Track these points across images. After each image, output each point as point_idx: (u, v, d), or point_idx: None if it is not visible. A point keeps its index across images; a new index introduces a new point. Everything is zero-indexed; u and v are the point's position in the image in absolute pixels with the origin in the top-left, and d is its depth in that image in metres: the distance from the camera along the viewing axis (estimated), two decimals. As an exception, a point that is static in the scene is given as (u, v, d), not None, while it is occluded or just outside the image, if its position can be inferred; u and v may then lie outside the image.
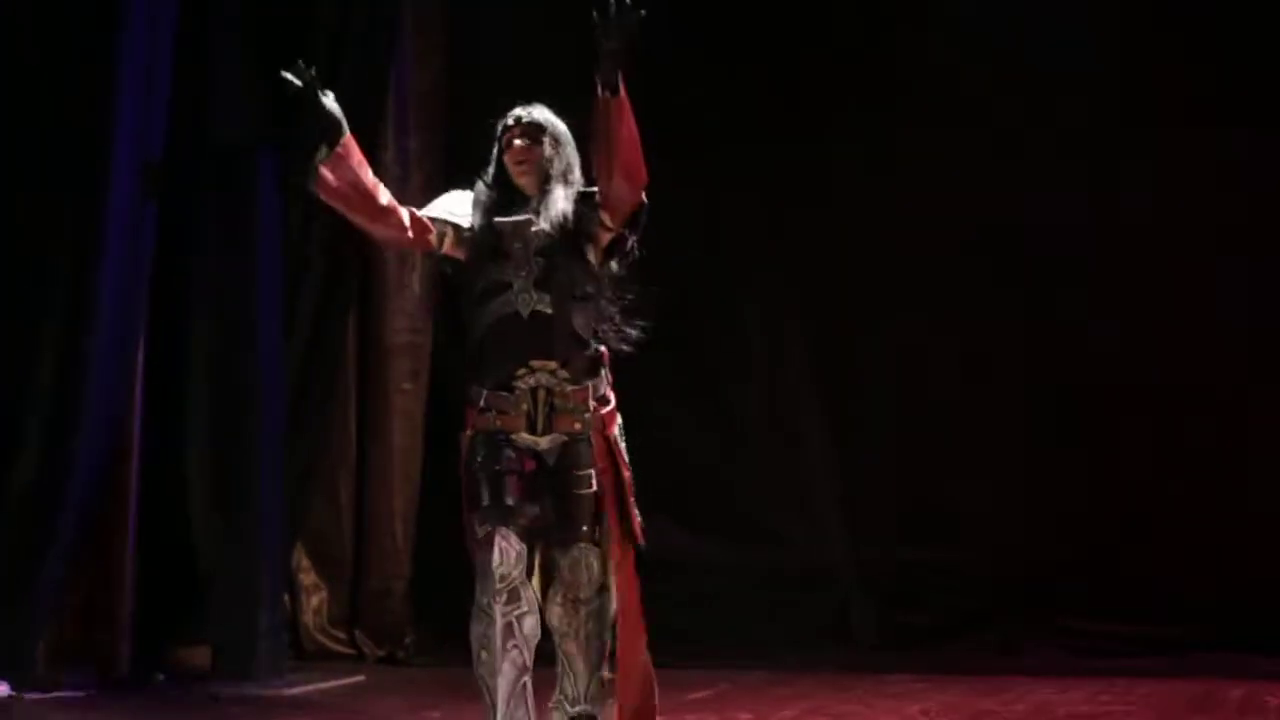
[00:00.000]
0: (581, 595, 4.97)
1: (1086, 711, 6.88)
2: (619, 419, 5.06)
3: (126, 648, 7.82)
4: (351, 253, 8.61)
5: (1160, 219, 8.81)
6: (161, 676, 7.87)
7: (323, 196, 5.03)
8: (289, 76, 5.05)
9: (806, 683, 7.74)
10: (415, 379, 9.05)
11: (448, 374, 9.16)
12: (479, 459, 4.95)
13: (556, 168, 5.02)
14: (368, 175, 5.01)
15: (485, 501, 4.91)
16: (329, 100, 5.05)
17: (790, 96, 9.20)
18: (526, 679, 4.89)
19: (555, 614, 4.97)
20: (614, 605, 4.98)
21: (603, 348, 5.04)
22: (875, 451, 9.16)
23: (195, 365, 8.12)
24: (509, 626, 4.87)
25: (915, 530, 9.06)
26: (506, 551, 4.88)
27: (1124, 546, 8.79)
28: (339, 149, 4.97)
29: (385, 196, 5.02)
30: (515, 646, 4.87)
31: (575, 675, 5.00)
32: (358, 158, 5.01)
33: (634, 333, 5.07)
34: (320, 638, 8.79)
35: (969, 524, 8.97)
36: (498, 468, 4.92)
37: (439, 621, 8.73)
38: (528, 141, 5.03)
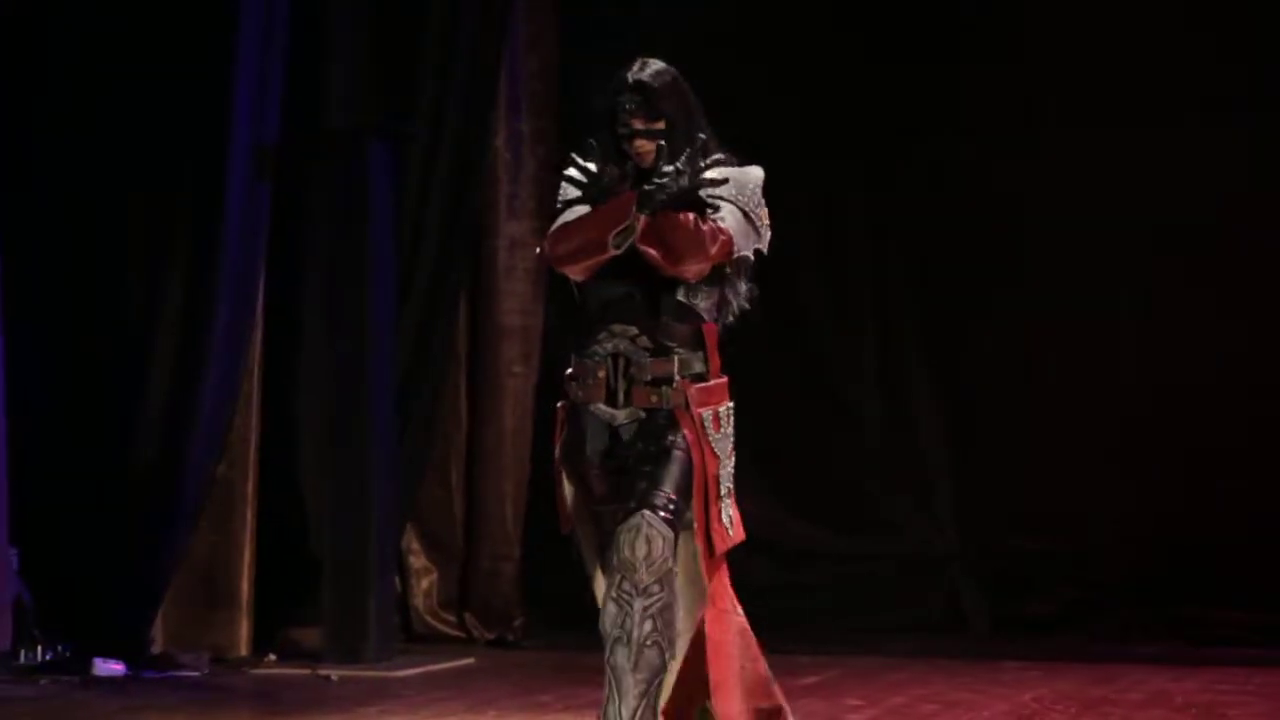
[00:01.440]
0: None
1: (1203, 700, 6.79)
2: (722, 406, 4.57)
3: (243, 629, 7.91)
4: (463, 236, 8.65)
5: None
6: (274, 657, 7.95)
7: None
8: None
9: (918, 669, 7.69)
10: (526, 361, 9.07)
11: (558, 357, 9.19)
12: (565, 441, 4.64)
13: (679, 139, 4.52)
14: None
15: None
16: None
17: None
18: (664, 676, 4.43)
19: (608, 613, 4.41)
20: (696, 614, 4.44)
21: (711, 323, 4.59)
22: (989, 438, 9.07)
23: (309, 347, 8.22)
24: (655, 615, 4.40)
25: (1028, 518, 8.96)
26: (651, 539, 4.40)
27: (1240, 534, 8.66)
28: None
29: None
30: (656, 643, 4.41)
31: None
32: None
33: (747, 307, 4.65)
34: (430, 620, 8.83)
35: (1082, 511, 8.86)
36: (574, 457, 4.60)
37: (549, 604, 8.76)
38: (643, 122, 4.52)
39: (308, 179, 8.21)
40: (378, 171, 8.09)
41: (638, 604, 4.37)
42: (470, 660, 8.18)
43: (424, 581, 8.89)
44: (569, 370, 4.67)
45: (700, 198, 4.52)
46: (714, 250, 4.50)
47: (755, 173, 4.65)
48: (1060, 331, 8.98)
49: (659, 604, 4.38)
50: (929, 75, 9.10)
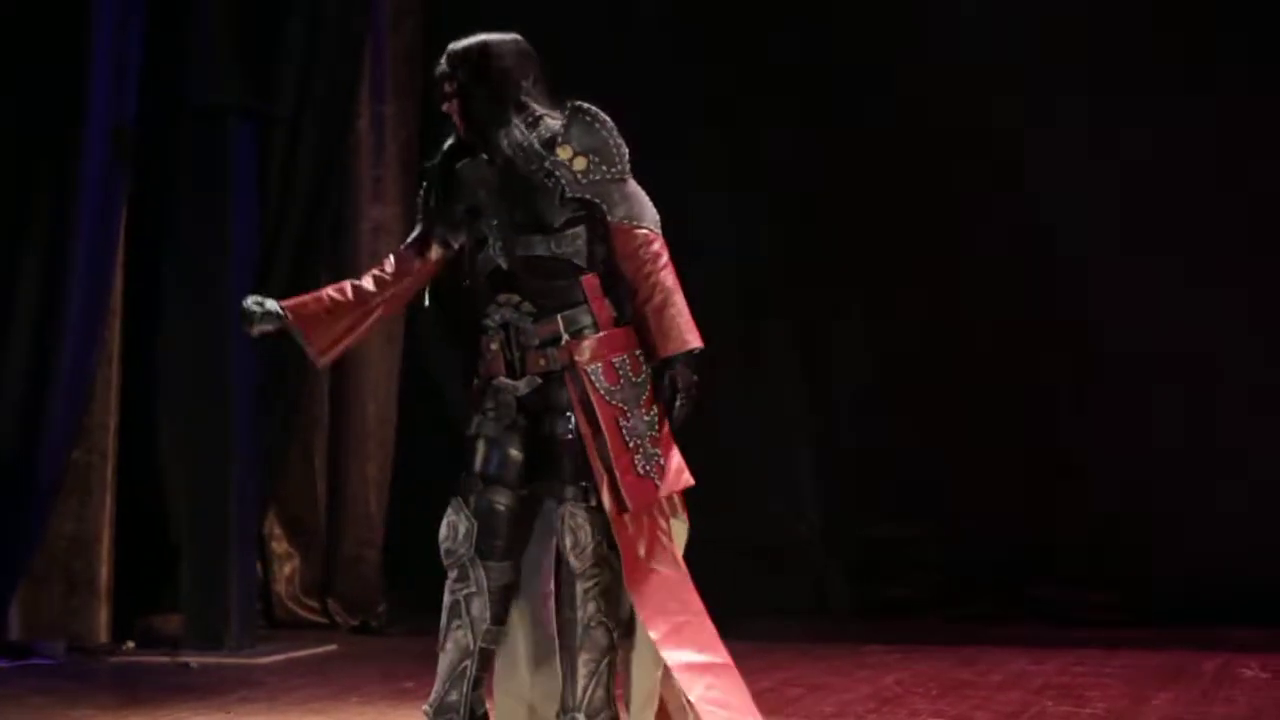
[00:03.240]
0: (573, 566, 4.51)
1: (1062, 682, 6.88)
2: (621, 355, 4.55)
3: (102, 616, 7.80)
4: (325, 220, 8.57)
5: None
6: (132, 645, 7.84)
7: (334, 354, 4.74)
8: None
9: (783, 654, 7.71)
10: (389, 345, 9.01)
11: (422, 340, 9.16)
12: (477, 417, 4.65)
13: (484, 104, 4.55)
14: (333, 297, 4.67)
15: (467, 470, 4.63)
16: (264, 312, 4.68)
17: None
18: (468, 663, 4.55)
19: (560, 597, 4.55)
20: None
21: (590, 274, 4.58)
22: (850, 423, 9.16)
23: (168, 330, 8.10)
24: (455, 605, 4.56)
25: (889, 502, 9.05)
26: (454, 526, 4.57)
27: (1097, 518, 8.80)
28: (295, 321, 4.65)
29: (366, 286, 4.69)
30: (460, 627, 4.55)
31: (572, 676, 4.53)
32: (314, 306, 4.67)
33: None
34: (292, 606, 8.76)
35: (942, 496, 8.96)
36: (472, 432, 4.64)
37: (412, 590, 8.69)
38: (449, 88, 4.60)
39: (167, 159, 8.09)
40: (239, 152, 8.00)
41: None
42: (333, 647, 8.11)
43: (286, 567, 8.81)
44: (478, 348, 4.69)
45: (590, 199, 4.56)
46: (663, 262, 4.57)
47: (607, 134, 4.60)
48: (924, 317, 9.05)
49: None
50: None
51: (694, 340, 4.59)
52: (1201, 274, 8.73)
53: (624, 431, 4.50)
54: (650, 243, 4.58)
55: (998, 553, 8.90)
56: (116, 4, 7.71)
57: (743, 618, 8.57)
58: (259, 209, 8.18)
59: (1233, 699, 6.50)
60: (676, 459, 4.62)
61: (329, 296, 4.71)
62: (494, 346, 4.61)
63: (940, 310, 9.04)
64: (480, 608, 4.56)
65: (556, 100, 4.67)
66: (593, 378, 4.53)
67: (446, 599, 4.60)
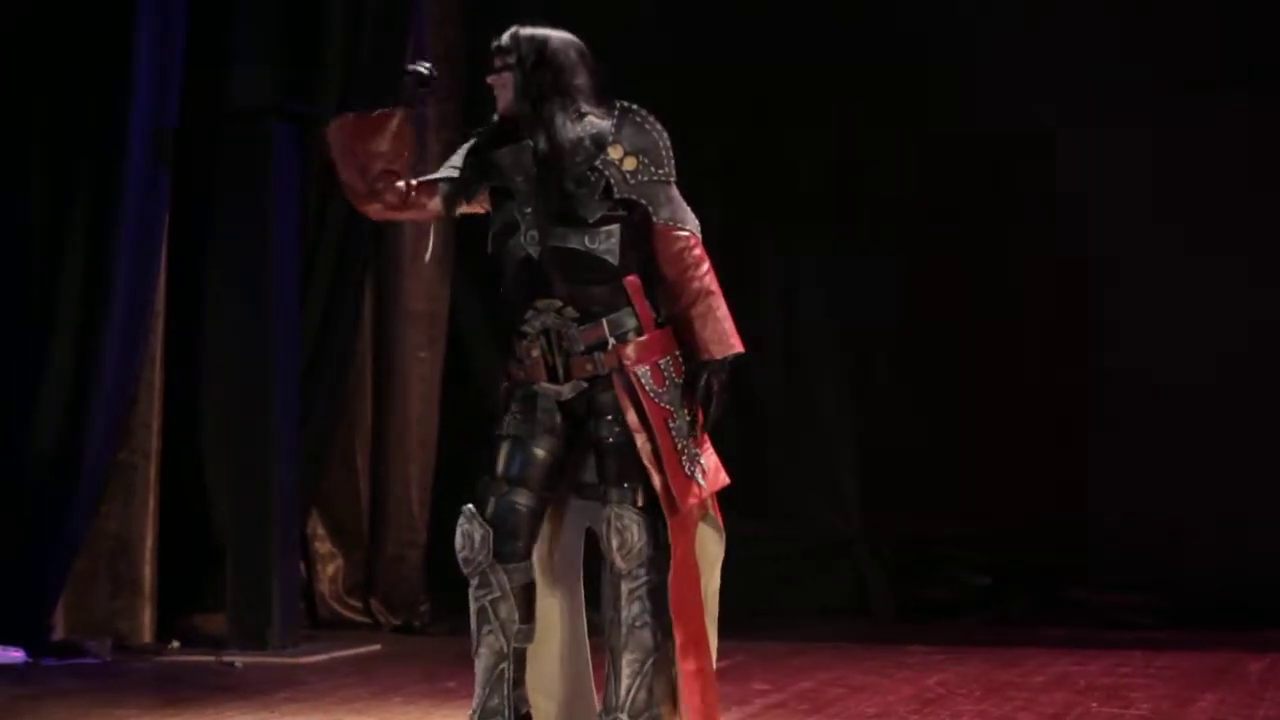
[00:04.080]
0: (620, 567, 4.52)
1: (1106, 683, 6.84)
2: (664, 357, 4.56)
3: (146, 616, 7.83)
4: (367, 220, 8.57)
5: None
6: (177, 644, 7.87)
7: (330, 137, 4.75)
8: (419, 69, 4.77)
9: (824, 654, 7.71)
10: (431, 346, 9.03)
11: (464, 341, 9.18)
12: (505, 418, 4.65)
13: (535, 88, 4.56)
14: (385, 148, 4.67)
15: (489, 473, 4.64)
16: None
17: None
18: (505, 665, 4.57)
19: (604, 597, 4.57)
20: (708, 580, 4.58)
21: (631, 274, 4.57)
22: (894, 424, 9.14)
23: (212, 332, 8.14)
24: (482, 611, 4.58)
25: (933, 502, 9.03)
26: (469, 535, 4.59)
27: (1145, 518, 8.75)
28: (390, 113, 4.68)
29: (387, 179, 4.69)
30: (490, 631, 4.57)
31: (615, 676, 4.54)
32: (395, 135, 4.68)
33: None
34: (335, 606, 8.79)
35: (987, 495, 8.93)
36: (499, 433, 4.64)
37: (455, 590, 8.64)
38: (500, 64, 4.64)
39: (211, 161, 8.12)
40: (281, 153, 8.01)
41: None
42: (376, 646, 8.13)
43: (329, 567, 8.84)
44: (509, 351, 4.70)
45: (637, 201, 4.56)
46: (705, 267, 4.58)
47: (657, 136, 4.62)
48: (967, 318, 9.03)
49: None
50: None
51: (737, 345, 4.61)
52: (1232, 274, 8.69)
53: (673, 432, 4.51)
54: (693, 247, 4.59)
55: (1040, 553, 8.87)
56: (159, 7, 7.75)
57: (784, 617, 8.65)
58: (301, 210, 8.20)
59: (1279, 701, 6.46)
60: (714, 459, 4.64)
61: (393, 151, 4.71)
62: (535, 353, 4.61)
63: (980, 310, 9.02)
64: (508, 610, 4.59)
65: (603, 102, 4.66)
66: (643, 380, 4.54)
67: (473, 606, 4.63)
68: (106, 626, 7.78)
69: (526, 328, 4.63)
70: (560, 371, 4.60)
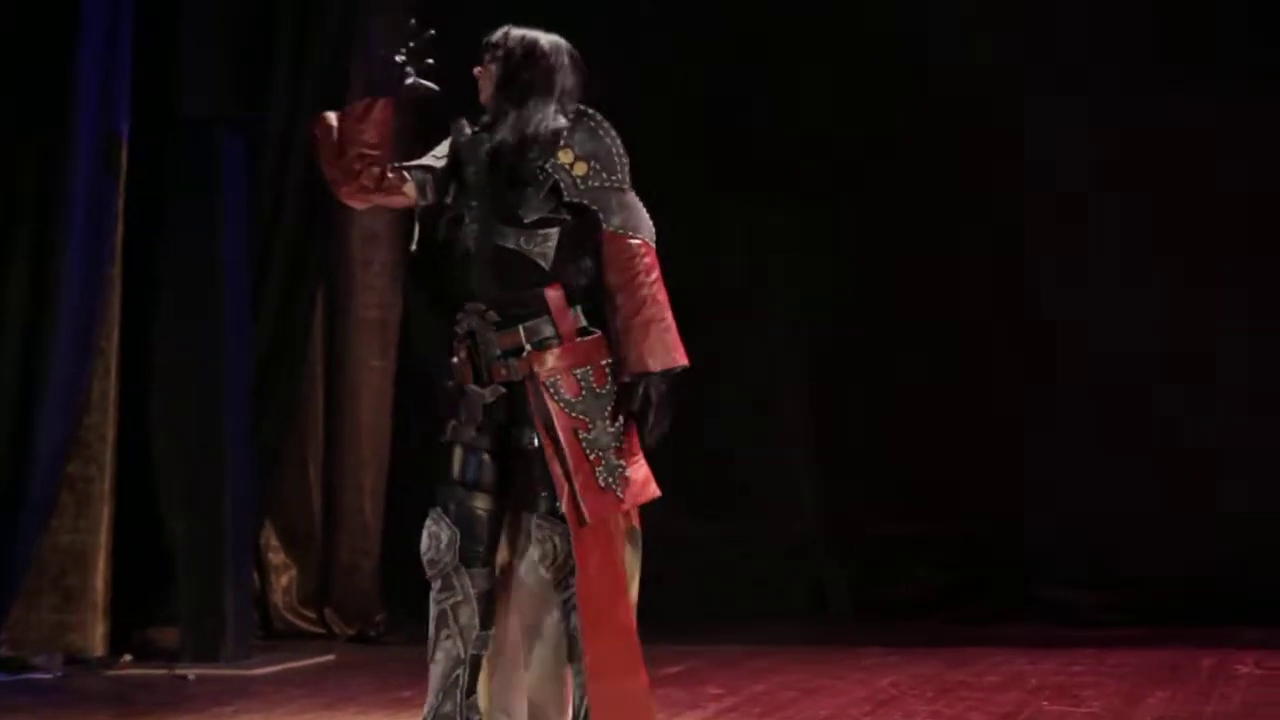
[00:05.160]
0: (546, 577, 4.53)
1: (1058, 681, 6.87)
2: (583, 368, 4.51)
3: (99, 629, 7.79)
4: (319, 229, 8.58)
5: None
6: (129, 658, 7.84)
7: (317, 130, 4.64)
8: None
9: (780, 656, 7.72)
10: (384, 355, 9.01)
11: (417, 347, 9.17)
12: (451, 422, 4.64)
13: (513, 83, 4.56)
14: (367, 136, 4.54)
15: (444, 478, 4.63)
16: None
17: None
18: (460, 671, 4.54)
19: (532, 607, 4.61)
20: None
21: (555, 284, 4.54)
22: (850, 422, 9.15)
23: (162, 343, 8.09)
24: (442, 615, 4.55)
25: (888, 503, 9.06)
26: (436, 536, 4.57)
27: (1100, 517, 8.79)
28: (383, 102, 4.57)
29: (364, 162, 4.57)
30: (449, 636, 4.54)
31: (574, 684, 4.54)
32: (377, 123, 4.55)
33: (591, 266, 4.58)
34: (290, 617, 8.75)
35: (941, 497, 8.96)
36: (448, 439, 4.64)
37: (410, 600, 8.67)
38: (488, 58, 4.63)
39: (160, 170, 8.09)
40: (230, 162, 8.00)
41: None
42: (330, 657, 8.10)
43: (283, 578, 8.81)
44: (451, 349, 4.70)
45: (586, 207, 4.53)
46: (655, 276, 4.54)
47: (610, 142, 4.57)
48: (925, 316, 9.05)
49: (450, 596, 4.55)
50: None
51: (679, 358, 4.58)
52: (1201, 274, 8.75)
53: (584, 443, 4.46)
54: (644, 254, 4.54)
55: (997, 553, 8.91)
56: (104, 13, 7.72)
57: (742, 619, 8.66)
58: (252, 219, 8.17)
59: (1228, 696, 6.50)
60: (643, 471, 4.58)
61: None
62: (462, 354, 4.60)
63: (941, 309, 9.04)
64: (469, 615, 4.55)
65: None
66: (551, 389, 4.51)
67: (433, 609, 4.59)
68: (57, 641, 7.72)
69: (457, 328, 4.63)
70: (484, 375, 4.58)
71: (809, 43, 9.13)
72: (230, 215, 7.98)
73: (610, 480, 4.48)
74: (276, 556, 8.79)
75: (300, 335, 8.55)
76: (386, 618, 8.77)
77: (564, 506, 4.46)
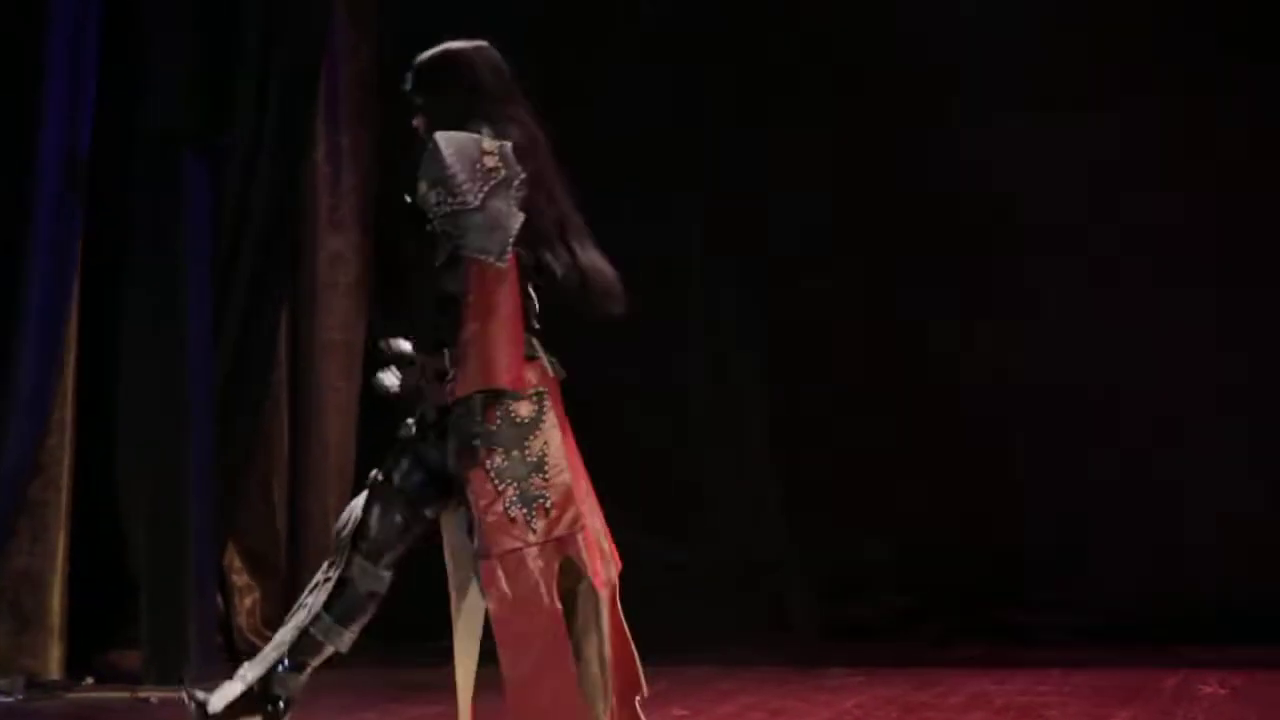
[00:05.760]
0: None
1: (1023, 702, 6.89)
2: (466, 402, 4.39)
3: (55, 652, 7.74)
4: (281, 251, 8.55)
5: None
6: (92, 680, 7.78)
7: None
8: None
9: (745, 678, 7.71)
10: (348, 376, 8.99)
11: (379, 368, 9.14)
12: (405, 421, 4.72)
13: (424, 128, 4.55)
14: None
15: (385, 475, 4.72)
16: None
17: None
18: (284, 647, 4.84)
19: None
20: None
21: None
22: (815, 443, 9.17)
23: (125, 362, 8.04)
24: (313, 586, 4.87)
25: (852, 524, 9.07)
26: (351, 509, 4.74)
27: (1057, 539, 8.84)
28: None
29: None
30: (302, 608, 4.89)
31: None
32: None
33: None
34: (254, 639, 8.68)
35: (910, 517, 8.98)
36: (400, 435, 4.73)
37: (374, 622, 8.65)
38: (413, 110, 4.64)
39: (122, 188, 8.06)
40: (193, 182, 7.97)
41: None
42: (295, 678, 8.05)
43: (247, 600, 8.76)
44: None
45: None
46: (493, 289, 4.40)
47: (448, 162, 4.44)
48: (885, 338, 9.09)
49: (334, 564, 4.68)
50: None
51: (493, 379, 4.40)
52: (1165, 284, 8.80)
53: (491, 472, 4.41)
54: (476, 273, 4.39)
55: (960, 574, 8.93)
56: (70, 29, 7.70)
57: (705, 640, 8.65)
58: (215, 238, 8.15)
59: (1192, 715, 6.54)
60: (570, 511, 4.45)
61: None
62: (414, 377, 4.62)
63: (902, 330, 9.07)
64: (324, 595, 4.71)
65: (508, 111, 4.58)
66: (460, 421, 4.44)
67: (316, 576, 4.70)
68: (11, 664, 7.65)
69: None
70: (427, 393, 4.58)
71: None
72: (192, 234, 7.95)
73: (525, 512, 4.42)
74: (240, 578, 8.74)
75: (264, 356, 8.51)
76: (351, 641, 8.72)
77: (474, 534, 4.46)
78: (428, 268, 4.48)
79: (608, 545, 4.65)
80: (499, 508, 4.40)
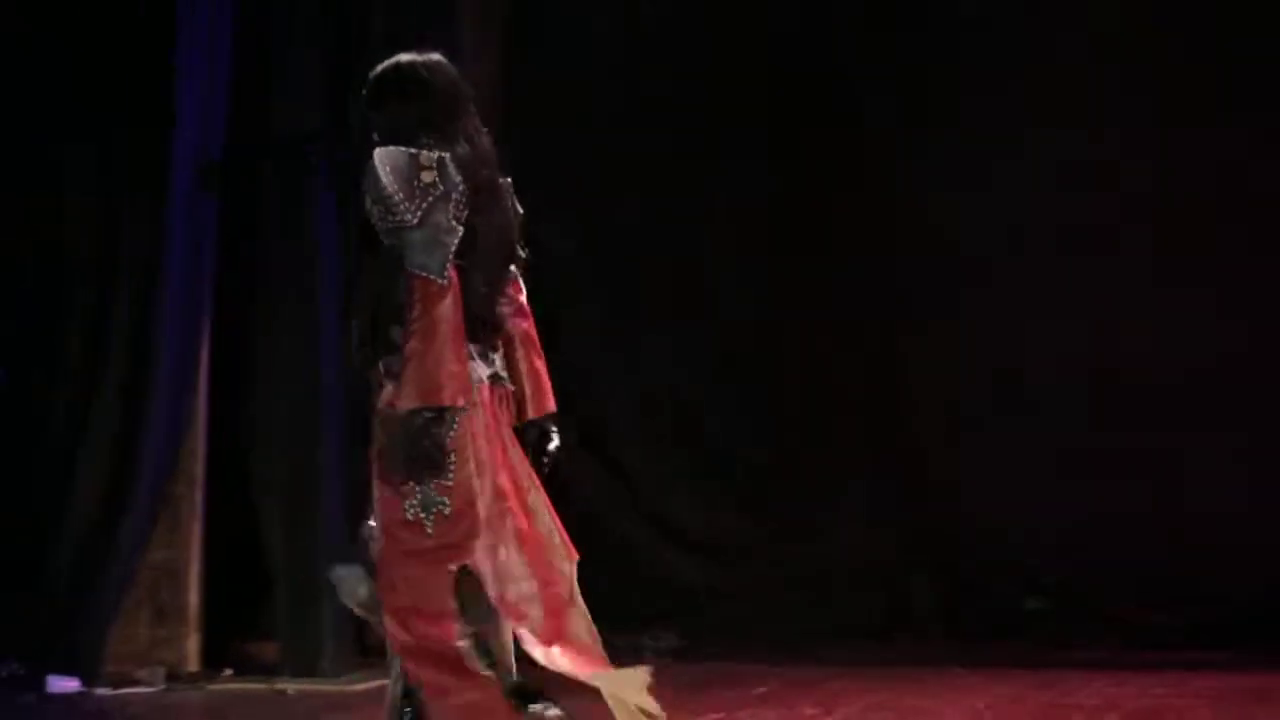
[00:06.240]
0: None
1: (1147, 706, 6.87)
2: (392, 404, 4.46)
3: (192, 644, 7.88)
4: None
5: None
6: (230, 672, 7.92)
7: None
8: None
9: (870, 676, 7.70)
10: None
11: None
12: None
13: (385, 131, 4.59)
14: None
15: None
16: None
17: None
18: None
19: None
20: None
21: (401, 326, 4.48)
22: (938, 442, 9.17)
23: (259, 361, 8.18)
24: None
25: (973, 522, 9.08)
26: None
27: (1178, 538, 8.80)
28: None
29: None
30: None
31: None
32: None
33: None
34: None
35: (1025, 516, 8.97)
36: None
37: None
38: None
39: (254, 191, 8.19)
40: (324, 182, 8.08)
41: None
42: (425, 672, 8.13)
43: (380, 593, 8.85)
44: None
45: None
46: (434, 306, 4.41)
47: (385, 182, 4.45)
48: (1012, 335, 9.08)
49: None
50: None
51: (430, 397, 4.40)
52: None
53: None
54: (417, 289, 4.40)
55: (1078, 575, 8.92)
56: (203, 38, 7.83)
57: (830, 639, 8.65)
58: (344, 234, 8.25)
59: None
60: (463, 517, 4.46)
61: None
62: None
63: (1037, 328, 9.09)
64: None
65: (466, 121, 4.63)
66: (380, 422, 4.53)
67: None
68: (151, 656, 7.80)
69: None
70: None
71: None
72: (322, 232, 8.06)
73: (422, 514, 4.46)
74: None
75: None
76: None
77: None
78: (378, 277, 4.54)
79: (560, 539, 4.66)
80: (399, 511, 4.46)
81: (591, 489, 9.23)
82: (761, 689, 7.40)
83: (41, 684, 7.50)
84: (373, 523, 4.57)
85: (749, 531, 9.27)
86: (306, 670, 7.72)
